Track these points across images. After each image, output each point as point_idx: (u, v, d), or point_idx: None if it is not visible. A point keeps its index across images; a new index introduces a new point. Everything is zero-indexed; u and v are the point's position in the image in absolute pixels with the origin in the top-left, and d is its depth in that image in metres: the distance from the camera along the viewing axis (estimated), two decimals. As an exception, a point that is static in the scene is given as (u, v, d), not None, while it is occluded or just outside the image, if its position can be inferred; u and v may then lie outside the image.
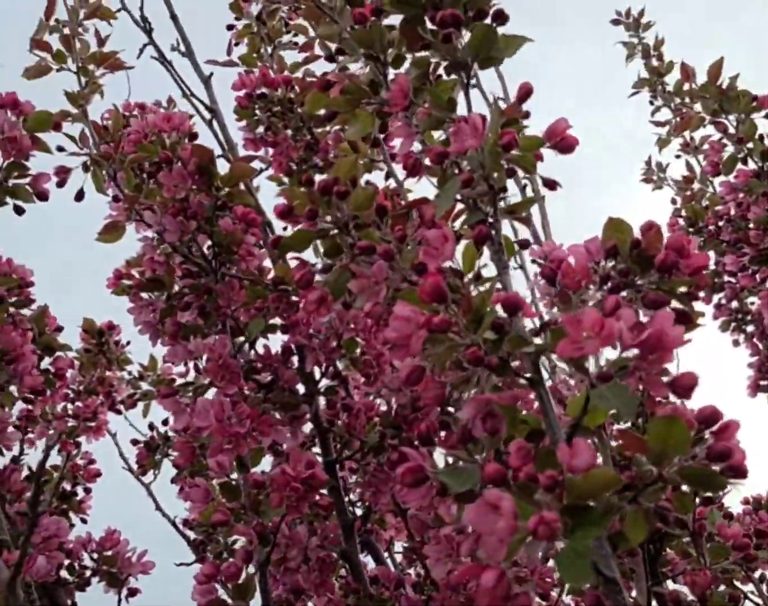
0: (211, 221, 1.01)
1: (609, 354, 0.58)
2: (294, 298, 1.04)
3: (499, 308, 0.62)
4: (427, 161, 0.72)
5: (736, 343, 1.80)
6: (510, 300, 0.59)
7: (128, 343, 1.61)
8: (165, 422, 1.59)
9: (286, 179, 1.58)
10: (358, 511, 1.18)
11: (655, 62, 2.11)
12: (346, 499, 1.11)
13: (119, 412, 1.61)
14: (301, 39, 1.34)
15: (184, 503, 1.57)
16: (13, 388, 1.16)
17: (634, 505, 0.55)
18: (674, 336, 0.53)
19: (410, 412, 1.06)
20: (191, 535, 1.57)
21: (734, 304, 1.76)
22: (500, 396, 0.58)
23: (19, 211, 1.09)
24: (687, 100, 1.73)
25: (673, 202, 1.95)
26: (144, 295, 1.10)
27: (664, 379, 0.54)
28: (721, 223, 1.68)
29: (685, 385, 0.53)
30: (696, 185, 1.92)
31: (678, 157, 2.00)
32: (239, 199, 1.02)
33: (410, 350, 0.60)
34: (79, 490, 1.44)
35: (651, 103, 2.06)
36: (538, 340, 0.61)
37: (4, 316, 1.10)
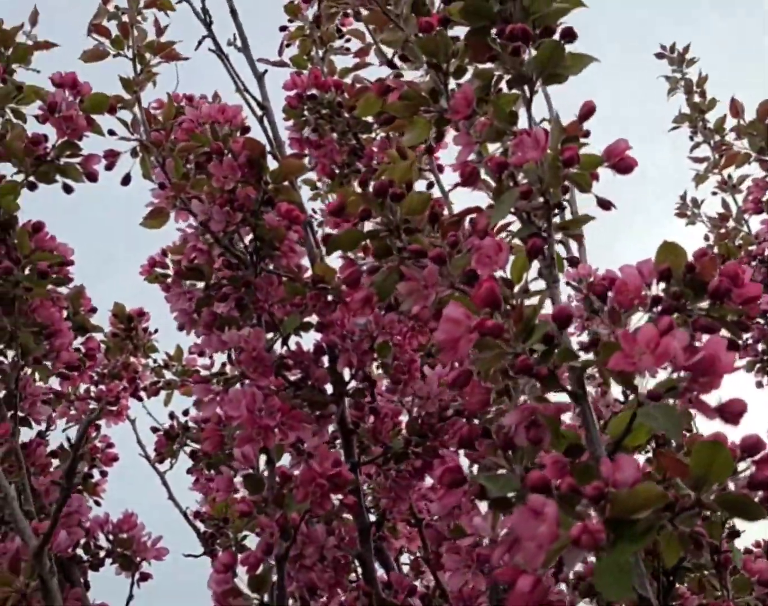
0: (256, 215, 1.02)
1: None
2: (331, 298, 1.05)
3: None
4: (482, 172, 0.73)
5: (759, 384, 1.79)
6: (562, 313, 0.59)
7: (156, 330, 1.62)
8: (185, 412, 1.61)
9: (319, 183, 1.60)
10: (372, 517, 1.18)
11: (697, 98, 2.11)
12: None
13: (141, 399, 1.62)
14: (353, 44, 1.36)
15: (196, 495, 1.59)
16: (47, 363, 1.17)
17: (671, 527, 0.56)
18: (726, 362, 0.53)
19: (437, 420, 1.06)
20: (201, 527, 1.58)
21: (761, 346, 1.75)
22: (545, 407, 0.58)
23: (68, 189, 1.11)
24: (732, 136, 1.73)
25: (706, 239, 1.95)
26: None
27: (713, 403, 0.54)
28: (753, 263, 1.68)
29: (735, 411, 0.54)
30: (731, 223, 1.92)
31: (714, 194, 2.00)
32: (285, 195, 1.03)
33: (457, 353, 0.60)
34: (95, 472, 1.45)
35: (691, 138, 2.06)
36: (585, 355, 0.61)
37: (45, 291, 1.12)
